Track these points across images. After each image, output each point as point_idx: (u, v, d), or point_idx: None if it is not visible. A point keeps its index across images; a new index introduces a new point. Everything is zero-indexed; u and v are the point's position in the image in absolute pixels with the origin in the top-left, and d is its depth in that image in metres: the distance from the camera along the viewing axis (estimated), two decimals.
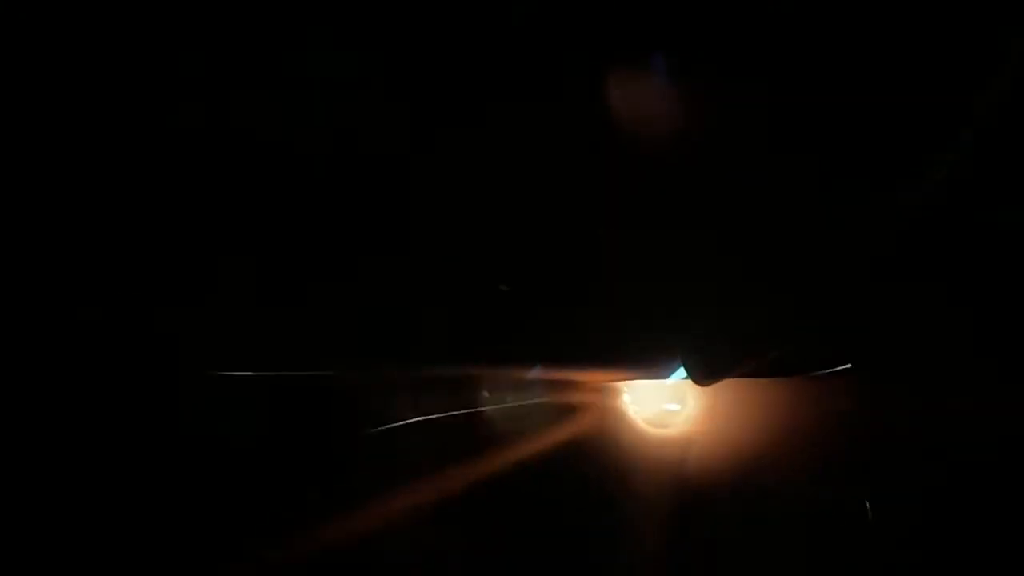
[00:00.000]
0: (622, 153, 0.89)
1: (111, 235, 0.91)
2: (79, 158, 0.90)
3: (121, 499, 0.88)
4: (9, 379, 0.88)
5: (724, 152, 0.87)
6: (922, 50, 0.80)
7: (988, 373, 0.92)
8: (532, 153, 0.94)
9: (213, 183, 0.93)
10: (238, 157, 0.92)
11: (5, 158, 0.88)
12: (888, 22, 0.80)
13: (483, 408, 0.96)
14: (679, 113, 0.87)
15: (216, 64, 0.89)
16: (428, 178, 0.95)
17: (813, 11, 0.82)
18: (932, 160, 0.79)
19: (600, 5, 0.90)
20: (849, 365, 0.94)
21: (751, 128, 0.86)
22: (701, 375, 0.88)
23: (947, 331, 0.91)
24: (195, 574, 0.87)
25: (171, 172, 0.92)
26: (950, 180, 0.79)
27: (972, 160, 0.78)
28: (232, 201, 0.93)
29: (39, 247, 0.89)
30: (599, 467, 0.97)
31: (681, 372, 0.90)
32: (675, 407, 0.99)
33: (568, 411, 0.98)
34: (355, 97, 0.92)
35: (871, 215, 0.81)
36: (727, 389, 0.96)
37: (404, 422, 0.93)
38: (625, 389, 0.99)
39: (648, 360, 0.96)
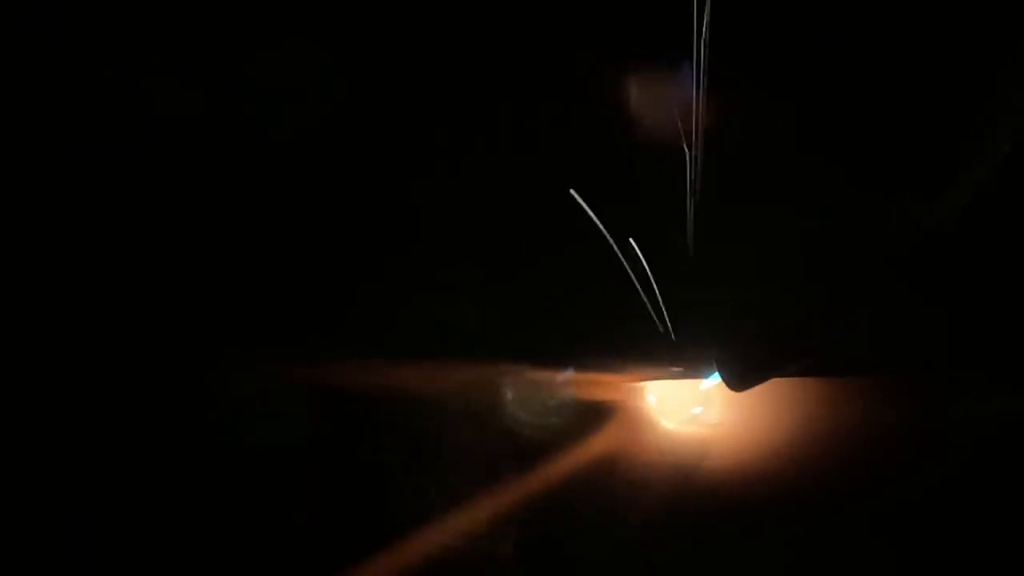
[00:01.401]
0: (656, 156, 0.88)
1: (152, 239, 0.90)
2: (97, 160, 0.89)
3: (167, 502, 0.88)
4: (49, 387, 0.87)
5: (760, 157, 0.86)
6: (952, 60, 0.79)
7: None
8: (564, 154, 0.92)
9: (247, 188, 0.92)
10: (264, 159, 0.91)
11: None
12: (920, 31, 0.79)
13: (513, 407, 0.95)
14: (721, 117, 0.86)
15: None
16: (457, 181, 0.94)
17: (847, 20, 0.81)
18: (967, 164, 0.78)
19: (622, 7, 0.88)
20: (883, 368, 0.93)
21: (789, 133, 0.85)
22: (735, 381, 0.87)
23: (985, 336, 0.91)
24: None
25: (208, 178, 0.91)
26: (987, 184, 0.78)
27: (1004, 165, 0.77)
28: (257, 205, 0.92)
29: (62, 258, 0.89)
30: (626, 467, 0.96)
31: (715, 377, 0.89)
32: (702, 408, 0.98)
33: (597, 411, 0.97)
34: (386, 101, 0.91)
35: (907, 221, 0.80)
36: (755, 390, 0.95)
37: (438, 421, 0.93)
38: (652, 390, 0.98)
39: (681, 362, 0.95)
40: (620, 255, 0.91)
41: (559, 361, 0.95)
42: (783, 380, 0.94)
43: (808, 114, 0.85)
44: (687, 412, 0.98)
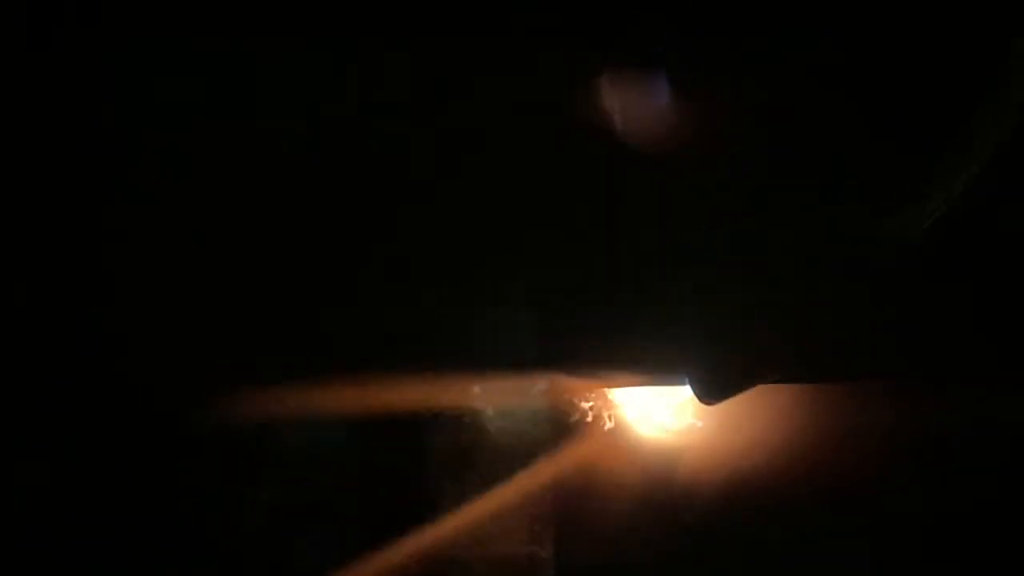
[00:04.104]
0: (638, 161, 0.89)
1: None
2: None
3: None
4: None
5: (738, 164, 0.87)
6: (938, 61, 0.79)
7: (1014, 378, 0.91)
8: (540, 156, 0.93)
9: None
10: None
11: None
12: (906, 32, 0.80)
13: (484, 413, 0.95)
14: (694, 121, 0.87)
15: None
16: (429, 181, 0.94)
17: (838, 21, 0.81)
18: (946, 173, 0.78)
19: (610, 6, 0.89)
20: (859, 375, 0.93)
21: (766, 140, 0.86)
22: (704, 394, 0.88)
23: (972, 339, 0.91)
24: None
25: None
26: (966, 192, 0.79)
27: (990, 171, 0.77)
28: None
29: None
30: (600, 474, 0.96)
31: (687, 388, 0.90)
32: (679, 415, 0.98)
33: (571, 418, 0.97)
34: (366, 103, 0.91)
35: (879, 232, 0.81)
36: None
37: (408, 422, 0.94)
38: (629, 396, 0.99)
39: (654, 367, 0.95)
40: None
41: (538, 369, 0.96)
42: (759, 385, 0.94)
43: (781, 125, 0.86)
44: (662, 418, 0.99)
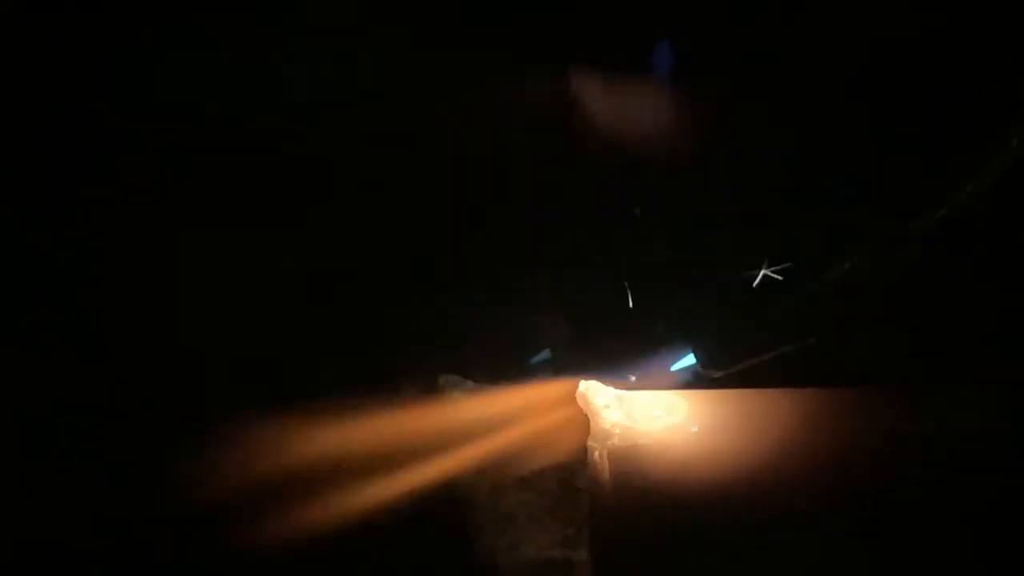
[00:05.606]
0: (638, 162, 0.89)
1: None
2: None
3: None
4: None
5: (738, 164, 0.87)
6: (945, 81, 0.80)
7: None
8: (540, 159, 0.93)
9: None
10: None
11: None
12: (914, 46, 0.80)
13: (477, 415, 0.95)
14: (693, 121, 0.87)
15: None
16: (418, 180, 0.94)
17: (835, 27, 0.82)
18: (956, 184, 0.79)
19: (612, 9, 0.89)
20: (866, 376, 0.93)
21: (766, 140, 0.86)
22: (709, 364, 0.88)
23: (971, 340, 0.91)
24: None
25: None
26: (980, 191, 0.79)
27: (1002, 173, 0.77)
28: None
29: None
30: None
31: (689, 359, 0.89)
32: (670, 417, 0.98)
33: (563, 420, 0.97)
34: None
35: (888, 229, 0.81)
36: (728, 401, 0.96)
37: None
38: (642, 400, 0.98)
39: (649, 362, 0.95)
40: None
41: (527, 365, 0.95)
42: (756, 391, 0.94)
43: (781, 125, 0.86)
44: (656, 421, 0.99)
